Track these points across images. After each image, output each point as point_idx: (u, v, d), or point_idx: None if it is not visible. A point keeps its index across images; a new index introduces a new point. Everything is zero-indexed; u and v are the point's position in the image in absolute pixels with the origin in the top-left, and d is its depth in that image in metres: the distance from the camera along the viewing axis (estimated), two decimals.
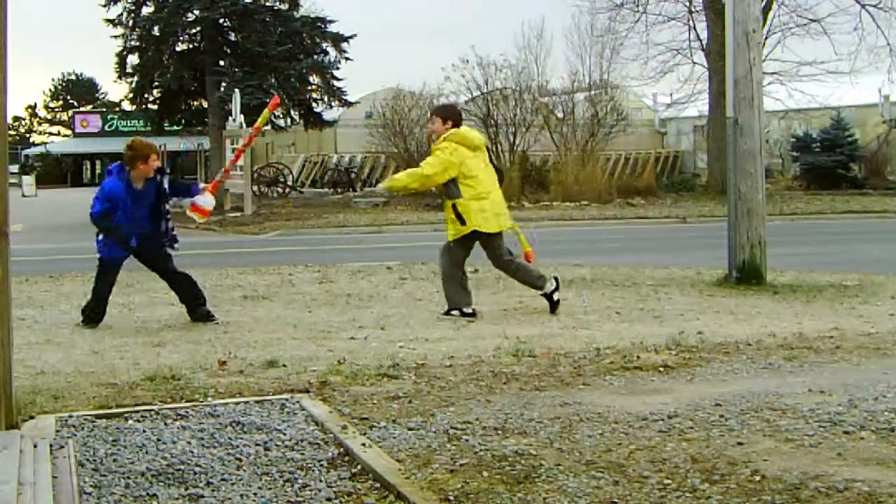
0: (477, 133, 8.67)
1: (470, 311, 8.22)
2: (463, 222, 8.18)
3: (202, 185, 8.46)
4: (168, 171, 8.21)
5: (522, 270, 8.53)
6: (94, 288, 8.05)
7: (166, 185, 7.96)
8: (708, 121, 29.91)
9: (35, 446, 4.22)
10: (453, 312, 8.21)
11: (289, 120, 31.78)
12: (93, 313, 7.99)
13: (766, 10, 26.68)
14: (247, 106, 26.77)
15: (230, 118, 26.99)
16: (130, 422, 4.85)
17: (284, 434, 4.61)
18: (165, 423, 4.81)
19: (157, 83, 29.67)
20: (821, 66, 29.04)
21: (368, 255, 14.50)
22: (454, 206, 8.19)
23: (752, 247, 9.99)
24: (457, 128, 8.33)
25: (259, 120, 8.75)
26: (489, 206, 8.24)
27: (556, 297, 8.46)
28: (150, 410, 5.03)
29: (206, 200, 8.20)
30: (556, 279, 8.60)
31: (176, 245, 8.16)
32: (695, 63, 30.44)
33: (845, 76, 28.88)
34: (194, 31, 28.98)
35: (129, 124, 53.60)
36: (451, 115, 8.54)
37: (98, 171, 56.79)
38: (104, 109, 57.52)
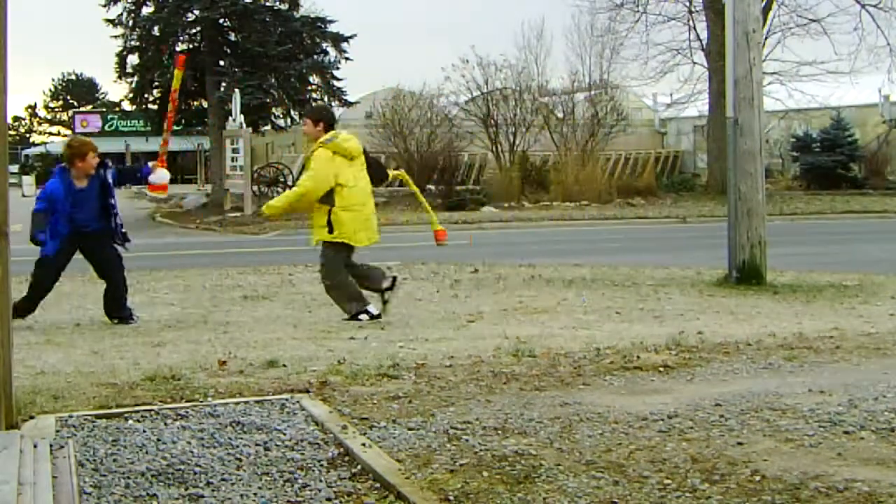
0: (354, 141, 8.32)
1: (376, 312, 8.10)
2: (331, 231, 8.00)
3: (151, 163, 8.51)
4: (110, 164, 8.18)
5: (363, 279, 8.28)
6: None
7: (110, 178, 7.97)
8: (708, 121, 29.93)
9: (35, 446, 4.22)
10: (362, 317, 8.03)
11: (289, 120, 31.76)
12: (20, 303, 7.93)
13: (766, 10, 26.69)
14: (247, 106, 26.76)
15: (230, 118, 27.00)
16: (130, 422, 4.85)
17: (284, 434, 4.61)
18: (165, 423, 4.81)
19: (157, 83, 29.64)
20: (821, 66, 29.10)
21: (368, 256, 14.48)
22: (329, 212, 7.99)
23: (752, 247, 10.00)
24: (330, 130, 8.10)
25: (174, 82, 8.72)
26: (361, 218, 8.09)
27: (387, 295, 8.20)
28: (150, 410, 5.03)
29: (160, 175, 8.27)
30: (394, 278, 8.34)
31: (128, 244, 8.17)
32: (695, 63, 30.49)
33: (845, 76, 28.93)
34: (194, 31, 28.95)
35: (129, 124, 53.57)
36: (323, 116, 8.30)
37: None
38: (104, 109, 57.50)
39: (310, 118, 8.34)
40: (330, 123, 8.21)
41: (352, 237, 8.06)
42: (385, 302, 8.24)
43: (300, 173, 8.05)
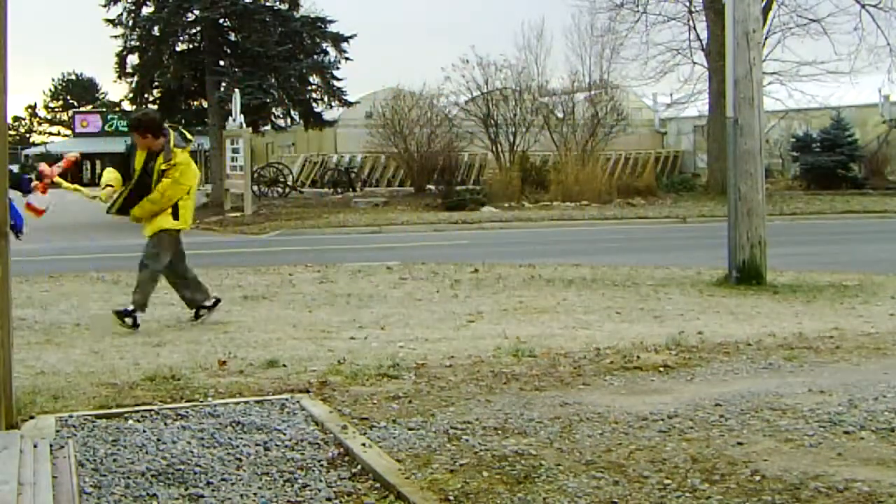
0: (188, 136, 8.24)
1: (139, 322, 7.90)
2: (176, 217, 7.98)
3: (34, 182, 8.20)
4: None
5: (191, 290, 8.24)
6: None
7: None
8: (708, 121, 29.92)
9: (35, 446, 4.22)
10: (127, 320, 7.78)
11: (289, 120, 31.77)
12: None
13: (766, 10, 26.66)
14: (247, 106, 26.76)
15: (230, 118, 27.00)
16: (130, 422, 4.85)
17: (284, 434, 4.61)
18: (165, 423, 4.81)
19: (157, 83, 29.65)
20: (821, 66, 29.05)
21: (368, 255, 14.51)
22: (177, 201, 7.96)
23: (752, 247, 10.00)
24: (159, 135, 7.90)
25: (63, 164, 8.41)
26: (193, 205, 8.19)
27: (202, 312, 8.12)
28: (150, 410, 5.03)
29: (38, 199, 8.06)
30: (217, 300, 8.23)
31: (20, 236, 7.98)
32: (695, 63, 30.45)
33: (845, 76, 28.88)
34: (194, 31, 28.96)
35: (129, 124, 53.58)
36: (149, 127, 7.97)
37: (98, 171, 56.86)
38: (104, 109, 57.51)
39: (136, 132, 8.03)
40: (157, 129, 7.99)
41: (188, 222, 8.18)
42: (198, 316, 8.16)
43: (157, 179, 7.83)
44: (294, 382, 5.66)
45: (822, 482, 3.77)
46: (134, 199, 7.98)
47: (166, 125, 8.21)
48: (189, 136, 8.23)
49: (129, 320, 7.78)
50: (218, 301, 8.30)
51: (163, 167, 7.89)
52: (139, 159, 8.05)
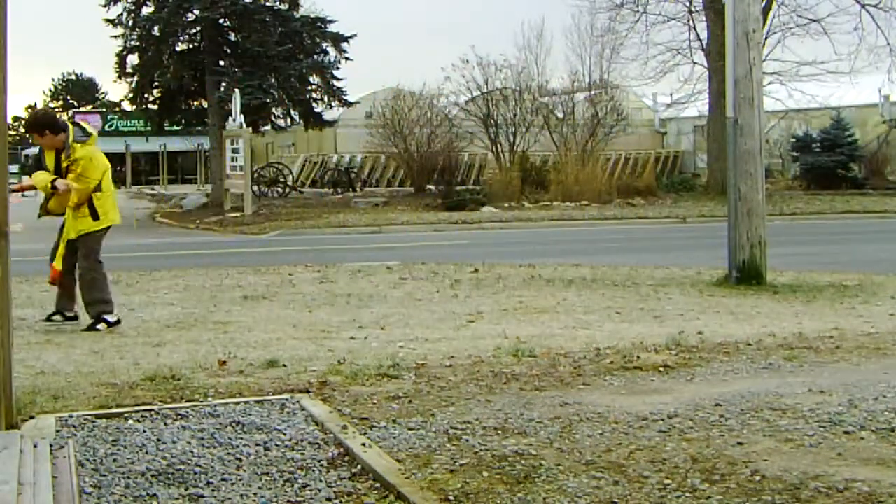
0: (92, 128, 8.08)
1: (115, 319, 7.81)
2: (96, 217, 7.84)
3: None
4: None
5: (88, 285, 7.86)
6: None
7: None
8: (708, 121, 29.92)
9: (35, 446, 4.22)
10: (99, 327, 7.71)
11: (289, 120, 31.77)
12: None
13: (766, 10, 26.66)
14: (247, 106, 26.77)
15: (230, 118, 27.00)
16: (130, 422, 4.85)
17: (284, 434, 4.61)
18: (165, 423, 4.81)
19: (157, 83, 29.63)
20: (821, 66, 29.05)
21: (368, 255, 14.51)
22: (91, 199, 7.80)
23: (752, 247, 10.00)
24: (58, 130, 7.76)
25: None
26: (113, 199, 8.04)
27: (100, 326, 7.74)
28: (150, 410, 5.03)
29: None
30: (118, 321, 7.84)
31: None
32: (695, 63, 30.45)
33: (845, 76, 28.87)
34: (194, 31, 28.96)
35: (129, 124, 53.55)
36: (43, 126, 7.81)
37: None
38: (104, 109, 57.46)
39: (34, 133, 7.89)
40: (55, 125, 7.85)
41: (116, 218, 8.05)
42: (49, 319, 7.99)
43: (64, 175, 7.67)
44: (294, 382, 5.66)
45: (822, 482, 3.77)
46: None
47: (66, 121, 8.04)
48: (89, 129, 7.99)
49: (101, 326, 7.73)
50: (76, 318, 8.01)
51: (65, 164, 7.78)
52: (49, 160, 7.95)
